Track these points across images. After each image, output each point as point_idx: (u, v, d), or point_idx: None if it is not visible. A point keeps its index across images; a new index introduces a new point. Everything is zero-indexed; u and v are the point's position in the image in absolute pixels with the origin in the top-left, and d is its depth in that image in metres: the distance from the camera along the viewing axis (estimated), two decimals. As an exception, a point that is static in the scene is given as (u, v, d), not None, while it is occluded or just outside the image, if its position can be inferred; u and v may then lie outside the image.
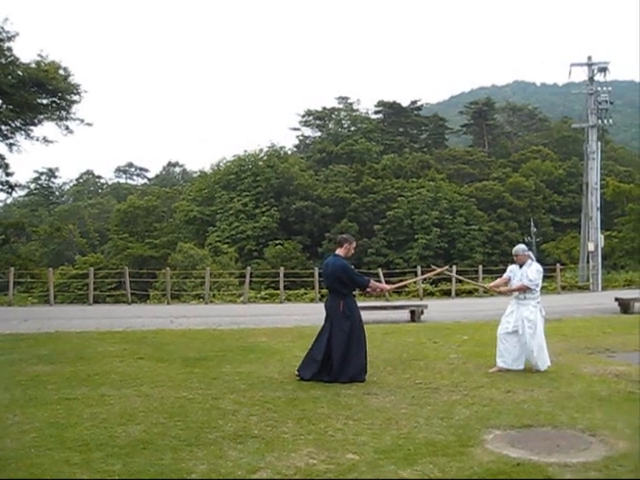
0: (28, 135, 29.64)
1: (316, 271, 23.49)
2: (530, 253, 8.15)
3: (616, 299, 16.57)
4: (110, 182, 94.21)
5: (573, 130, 52.20)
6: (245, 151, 61.88)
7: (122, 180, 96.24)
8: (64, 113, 29.13)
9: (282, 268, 24.72)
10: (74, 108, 29.22)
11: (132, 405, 6.06)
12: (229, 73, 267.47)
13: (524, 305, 7.89)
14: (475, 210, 54.53)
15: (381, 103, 74.59)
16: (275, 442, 4.87)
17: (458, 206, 53.92)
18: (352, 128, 70.50)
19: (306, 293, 25.12)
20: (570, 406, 5.94)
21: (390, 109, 73.62)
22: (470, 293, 24.67)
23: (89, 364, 8.37)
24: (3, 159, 31.64)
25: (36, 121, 29.33)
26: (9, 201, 73.81)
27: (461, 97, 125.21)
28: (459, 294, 24.55)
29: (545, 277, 27.29)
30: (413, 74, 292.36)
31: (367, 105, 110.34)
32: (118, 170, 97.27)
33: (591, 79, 30.59)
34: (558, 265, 28.06)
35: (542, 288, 8.50)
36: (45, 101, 28.84)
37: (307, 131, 75.45)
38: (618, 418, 5.46)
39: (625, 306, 16.06)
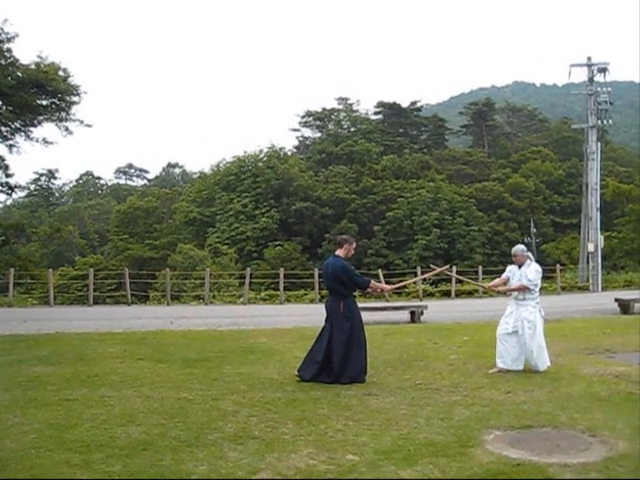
0: (28, 136, 29.68)
1: (316, 272, 23.49)
2: (529, 254, 8.16)
3: (616, 300, 16.59)
4: (110, 183, 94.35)
5: (573, 131, 52.19)
6: (245, 152, 61.98)
7: (122, 181, 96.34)
8: (64, 114, 29.15)
9: (282, 269, 24.72)
10: (74, 109, 29.29)
11: (132, 406, 6.06)
12: (229, 73, 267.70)
13: (523, 306, 7.89)
14: (475, 211, 54.53)
15: (381, 104, 74.56)
16: (275, 443, 4.87)
17: (458, 207, 53.91)
18: (352, 129, 70.50)
19: (306, 294, 25.13)
20: (570, 407, 5.94)
21: (390, 110, 73.61)
22: (470, 294, 24.69)
23: (89, 365, 8.37)
24: (3, 160, 31.69)
25: (36, 122, 29.35)
26: (9, 202, 74.11)
27: (461, 98, 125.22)
28: (459, 295, 24.57)
29: (545, 278, 27.34)
30: (413, 75, 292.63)
31: (367, 106, 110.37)
32: (118, 171, 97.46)
33: (591, 80, 30.63)
34: (558, 266, 28.09)
35: (542, 289, 8.51)
36: (45, 102, 28.86)
37: (307, 132, 75.56)
38: (618, 419, 5.46)
39: (625, 307, 16.07)
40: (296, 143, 76.66)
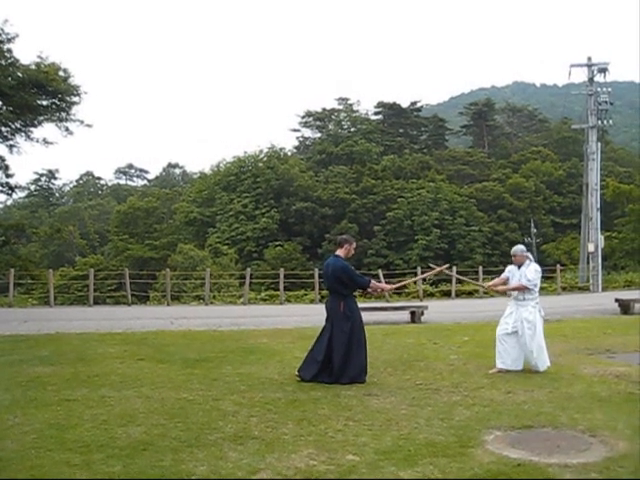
0: (28, 136, 29.70)
1: (316, 272, 23.50)
2: (528, 254, 8.15)
3: (616, 300, 16.59)
4: (110, 183, 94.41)
5: (573, 131, 52.20)
6: (245, 152, 62.05)
7: (122, 181, 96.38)
8: (64, 114, 29.16)
9: (282, 269, 24.73)
10: (74, 109, 29.30)
11: (132, 406, 6.06)
12: (229, 74, 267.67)
13: (523, 306, 7.89)
14: (475, 211, 54.55)
15: (381, 104, 74.60)
16: (275, 443, 4.87)
17: (458, 207, 53.93)
18: (352, 129, 70.52)
19: (306, 294, 25.14)
20: (570, 407, 5.94)
21: (390, 110, 73.64)
22: (470, 294, 24.69)
23: (89, 365, 8.37)
24: (3, 160, 31.71)
25: (36, 122, 29.37)
26: (9, 202, 74.15)
27: (461, 98, 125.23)
28: (459, 295, 24.57)
29: (545, 278, 27.31)
30: (413, 75, 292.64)
31: (367, 106, 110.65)
32: (118, 171, 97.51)
33: (591, 80, 30.62)
34: (558, 266, 28.10)
35: (542, 289, 8.52)
36: (45, 102, 28.87)
37: (307, 132, 75.62)
38: (618, 419, 5.46)
39: (625, 307, 16.07)
40: (296, 143, 76.83)
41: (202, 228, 55.49)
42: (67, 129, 29.71)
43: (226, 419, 5.57)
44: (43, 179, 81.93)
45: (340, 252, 7.69)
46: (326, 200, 54.72)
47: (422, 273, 22.60)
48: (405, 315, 15.11)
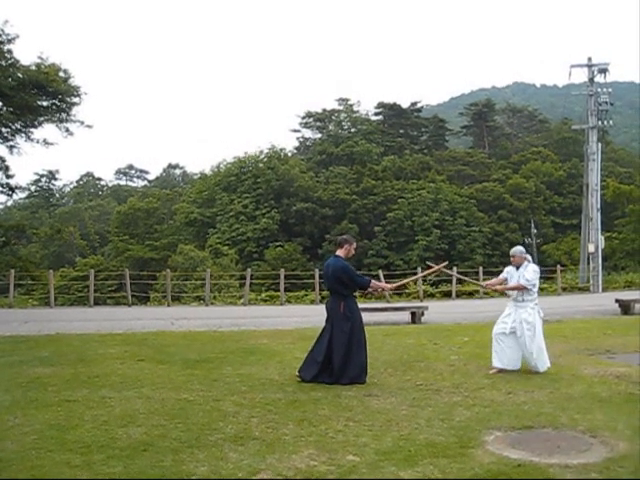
0: (28, 137, 29.73)
1: (316, 273, 23.51)
2: (527, 255, 8.16)
3: (616, 300, 16.60)
4: (110, 184, 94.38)
5: (573, 131, 52.16)
6: (245, 153, 61.94)
7: (122, 182, 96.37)
8: (64, 115, 29.19)
9: (282, 270, 24.72)
10: (74, 110, 29.33)
11: (133, 407, 6.06)
12: (229, 74, 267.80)
13: (522, 307, 7.88)
14: (475, 211, 54.53)
15: (381, 105, 74.58)
16: (276, 444, 4.87)
17: (458, 207, 53.91)
18: (352, 130, 70.49)
19: (306, 295, 25.14)
20: (571, 407, 5.94)
21: (390, 110, 73.63)
22: (470, 294, 24.69)
23: (90, 366, 8.38)
24: (3, 161, 31.72)
25: (36, 123, 29.40)
26: (9, 203, 74.20)
27: (461, 98, 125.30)
28: (459, 295, 24.57)
29: (546, 278, 27.23)
30: (413, 76, 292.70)
31: (367, 107, 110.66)
32: (118, 172, 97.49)
33: (591, 80, 30.64)
34: (558, 266, 28.12)
35: (542, 289, 8.54)
36: (45, 103, 28.90)
37: (307, 133, 75.54)
38: (619, 419, 5.46)
39: (625, 307, 16.08)
40: (296, 144, 76.77)
41: (202, 229, 55.48)
42: (67, 130, 29.77)
43: (226, 420, 5.57)
44: (43, 180, 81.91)
45: (340, 252, 7.69)
46: (326, 201, 54.71)
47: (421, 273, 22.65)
48: (405, 316, 15.11)
